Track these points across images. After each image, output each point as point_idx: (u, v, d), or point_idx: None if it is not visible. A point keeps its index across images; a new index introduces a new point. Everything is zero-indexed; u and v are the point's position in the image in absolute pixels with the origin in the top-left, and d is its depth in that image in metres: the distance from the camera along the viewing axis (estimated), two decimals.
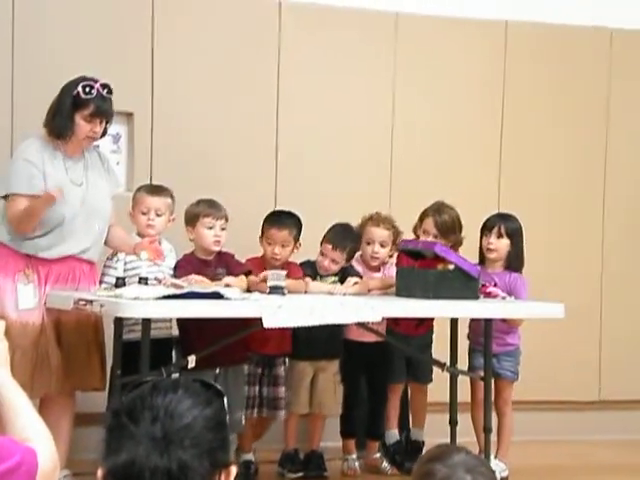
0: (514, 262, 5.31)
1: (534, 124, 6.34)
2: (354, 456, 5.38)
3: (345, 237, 5.21)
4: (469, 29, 6.20)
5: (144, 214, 4.90)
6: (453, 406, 5.22)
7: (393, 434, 5.46)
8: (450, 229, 5.26)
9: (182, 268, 4.85)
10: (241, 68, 5.80)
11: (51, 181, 4.54)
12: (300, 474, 5.24)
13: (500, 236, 5.29)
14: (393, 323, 5.27)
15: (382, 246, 5.30)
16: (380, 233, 5.28)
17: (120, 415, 1.65)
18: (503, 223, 5.31)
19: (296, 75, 5.90)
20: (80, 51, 5.41)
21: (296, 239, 5.11)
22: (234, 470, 1.70)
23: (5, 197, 4.61)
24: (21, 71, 5.35)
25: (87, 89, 4.53)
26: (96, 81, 4.57)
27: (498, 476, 5.22)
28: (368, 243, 5.30)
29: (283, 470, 5.26)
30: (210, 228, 4.92)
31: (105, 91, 4.57)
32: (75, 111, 4.54)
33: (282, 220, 5.12)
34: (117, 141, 5.53)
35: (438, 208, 5.30)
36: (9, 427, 2.06)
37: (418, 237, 5.30)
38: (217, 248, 4.95)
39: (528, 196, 6.26)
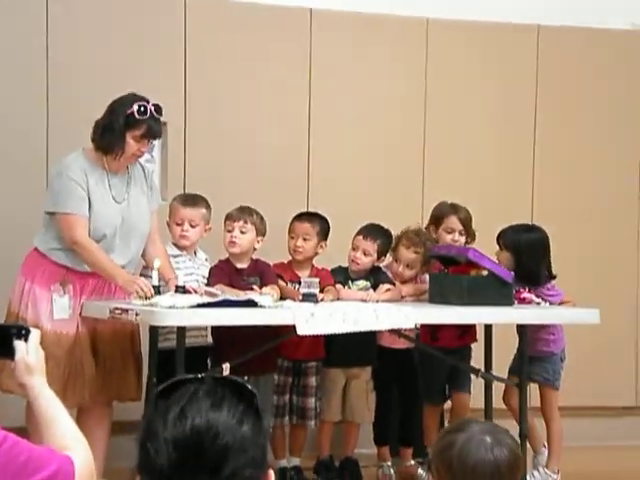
0: (521, 280, 4.99)
1: (568, 128, 6.31)
2: (389, 463, 5.36)
3: (376, 231, 5.21)
4: (501, 34, 6.18)
5: (178, 225, 4.92)
6: (488, 412, 5.18)
7: None
8: (470, 222, 5.27)
9: (215, 276, 4.86)
10: (273, 76, 5.81)
11: (94, 197, 4.54)
12: None
13: (501, 248, 5.16)
14: (430, 339, 5.23)
15: (408, 267, 5.26)
16: (408, 255, 5.23)
17: (155, 425, 1.66)
18: (503, 235, 5.15)
19: (327, 82, 5.91)
20: (113, 61, 5.45)
21: (320, 236, 5.11)
22: (272, 474, 1.72)
23: (51, 213, 4.58)
24: (56, 81, 5.38)
25: (141, 109, 4.51)
26: (148, 101, 4.55)
27: None
28: (396, 260, 5.28)
29: (318, 477, 5.25)
30: (229, 231, 4.93)
31: (157, 112, 4.56)
32: (127, 130, 4.52)
33: (304, 215, 5.21)
34: (151, 150, 5.55)
35: (452, 205, 5.29)
36: (47, 436, 2.07)
37: (437, 240, 5.24)
38: (234, 250, 4.90)
39: (562, 201, 6.23)
